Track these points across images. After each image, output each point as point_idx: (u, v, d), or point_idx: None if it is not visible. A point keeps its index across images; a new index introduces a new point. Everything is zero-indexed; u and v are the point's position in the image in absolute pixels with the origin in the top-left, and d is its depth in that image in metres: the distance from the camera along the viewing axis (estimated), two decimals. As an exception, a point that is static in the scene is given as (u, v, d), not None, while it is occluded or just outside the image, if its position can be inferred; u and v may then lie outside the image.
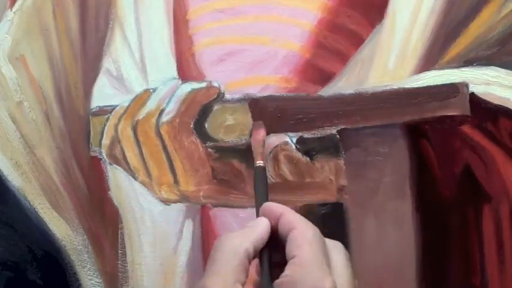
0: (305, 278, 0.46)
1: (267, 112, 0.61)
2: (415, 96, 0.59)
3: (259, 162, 0.56)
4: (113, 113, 0.64)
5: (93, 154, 0.65)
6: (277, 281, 0.47)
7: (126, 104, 0.64)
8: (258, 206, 0.54)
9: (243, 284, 0.47)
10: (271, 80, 0.62)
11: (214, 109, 0.62)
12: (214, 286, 0.47)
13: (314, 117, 0.60)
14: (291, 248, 0.48)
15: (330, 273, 0.47)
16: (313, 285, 0.46)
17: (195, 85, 0.63)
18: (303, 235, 0.49)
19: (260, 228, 0.51)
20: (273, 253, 0.50)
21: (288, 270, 0.47)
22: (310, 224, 0.50)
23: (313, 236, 0.49)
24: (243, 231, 0.51)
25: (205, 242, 0.64)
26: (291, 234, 0.49)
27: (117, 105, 0.64)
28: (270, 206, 0.52)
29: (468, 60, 0.59)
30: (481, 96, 0.58)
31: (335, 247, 0.50)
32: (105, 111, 0.65)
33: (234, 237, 0.50)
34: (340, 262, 0.49)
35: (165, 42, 0.64)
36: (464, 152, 0.57)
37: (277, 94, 0.62)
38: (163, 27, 0.64)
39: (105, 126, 0.65)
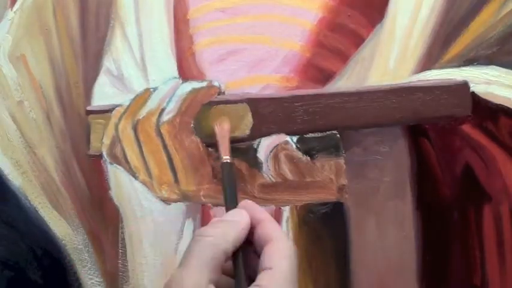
0: None
1: (268, 112, 0.61)
2: (415, 96, 0.59)
3: (226, 158, 0.56)
4: (113, 113, 0.64)
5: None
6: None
7: (127, 104, 0.64)
8: (227, 204, 0.53)
9: (216, 283, 0.47)
10: (272, 79, 0.62)
11: (214, 108, 0.62)
12: (186, 282, 0.46)
13: (314, 117, 0.60)
14: (269, 259, 0.48)
15: None
16: None
17: (196, 84, 0.63)
18: (281, 249, 0.49)
19: (241, 228, 0.50)
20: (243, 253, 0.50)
21: (263, 281, 0.47)
22: (287, 238, 0.51)
23: (291, 252, 0.49)
24: (224, 227, 0.50)
25: (206, 242, 0.64)
26: (270, 245, 0.49)
27: (117, 105, 0.64)
28: (251, 206, 0.52)
29: (468, 60, 0.59)
30: (481, 95, 0.58)
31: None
32: (105, 111, 0.65)
33: (213, 233, 0.49)
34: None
35: (166, 41, 0.64)
36: (465, 152, 0.57)
37: (277, 93, 0.62)
38: (163, 26, 0.64)
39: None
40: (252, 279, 0.48)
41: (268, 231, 0.50)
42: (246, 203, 0.52)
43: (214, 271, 0.47)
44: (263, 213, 0.51)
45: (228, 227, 0.50)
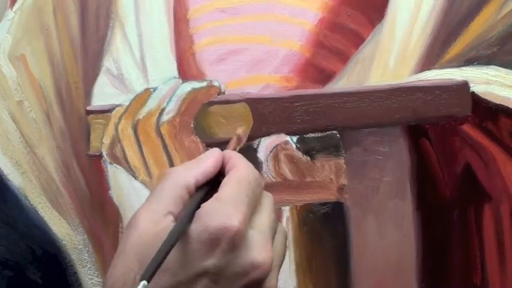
0: (216, 211, 0.44)
1: (268, 112, 0.61)
2: (415, 96, 0.59)
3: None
4: (113, 113, 0.64)
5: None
6: (197, 211, 0.45)
7: (127, 104, 0.64)
8: None
9: (176, 216, 0.46)
10: (272, 79, 0.62)
11: (214, 108, 0.62)
12: (143, 215, 0.46)
13: (314, 117, 0.60)
14: (221, 186, 0.47)
15: (245, 213, 0.45)
16: (220, 219, 0.44)
17: (196, 84, 0.63)
18: (235, 174, 0.47)
19: (206, 162, 0.49)
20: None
21: (206, 203, 0.45)
22: (250, 167, 0.48)
23: (245, 177, 0.47)
24: (189, 163, 0.49)
25: (206, 242, 0.64)
26: (229, 173, 0.48)
27: (117, 105, 0.64)
28: (231, 152, 0.51)
29: (468, 60, 0.59)
30: (481, 95, 0.58)
31: (267, 195, 0.49)
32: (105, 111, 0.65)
33: (177, 169, 0.49)
34: (266, 207, 0.48)
35: (166, 41, 0.64)
36: (465, 151, 0.57)
37: (277, 93, 0.62)
38: (163, 26, 0.64)
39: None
40: None
41: (232, 162, 0.49)
42: (228, 151, 0.51)
43: (173, 204, 0.46)
44: (232, 152, 0.50)
45: (192, 163, 0.49)
